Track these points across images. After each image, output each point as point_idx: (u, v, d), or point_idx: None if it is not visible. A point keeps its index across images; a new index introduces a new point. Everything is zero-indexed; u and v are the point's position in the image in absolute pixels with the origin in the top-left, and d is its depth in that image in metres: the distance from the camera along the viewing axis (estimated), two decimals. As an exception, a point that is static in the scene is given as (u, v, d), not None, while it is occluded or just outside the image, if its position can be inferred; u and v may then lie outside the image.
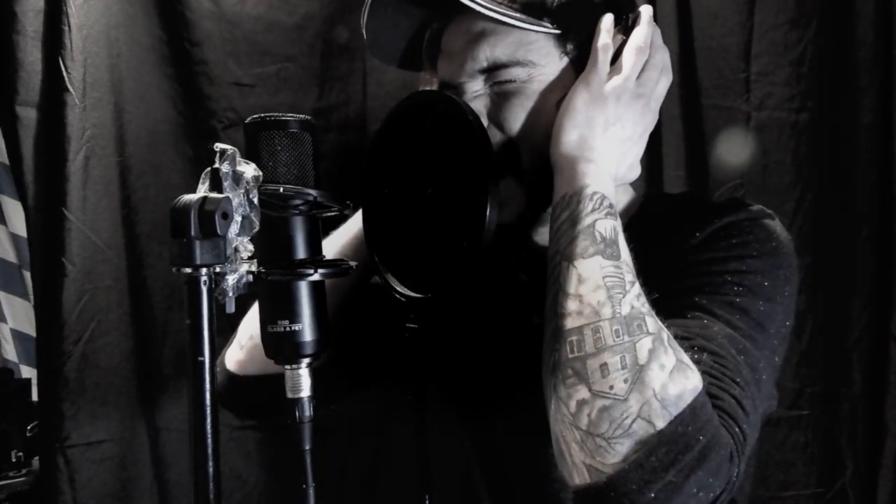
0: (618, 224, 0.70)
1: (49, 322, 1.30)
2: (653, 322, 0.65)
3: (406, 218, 0.76)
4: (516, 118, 0.78)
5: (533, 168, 0.78)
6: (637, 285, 0.67)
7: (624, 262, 0.67)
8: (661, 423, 0.60)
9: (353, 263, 0.70)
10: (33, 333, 1.38)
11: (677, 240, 0.76)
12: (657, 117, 0.79)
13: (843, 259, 1.28)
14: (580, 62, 0.78)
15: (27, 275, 1.75)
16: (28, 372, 1.77)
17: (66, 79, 1.27)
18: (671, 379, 0.61)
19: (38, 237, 1.33)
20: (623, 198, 0.86)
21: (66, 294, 1.28)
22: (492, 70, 0.78)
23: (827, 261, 1.29)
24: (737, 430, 0.64)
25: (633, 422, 0.60)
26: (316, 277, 0.67)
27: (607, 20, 0.78)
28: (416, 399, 0.75)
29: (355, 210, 0.75)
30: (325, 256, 0.70)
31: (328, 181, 0.70)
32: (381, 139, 0.79)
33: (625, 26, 0.80)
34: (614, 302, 0.64)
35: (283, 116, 0.69)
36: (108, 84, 1.31)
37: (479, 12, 0.73)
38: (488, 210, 0.69)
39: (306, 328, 0.68)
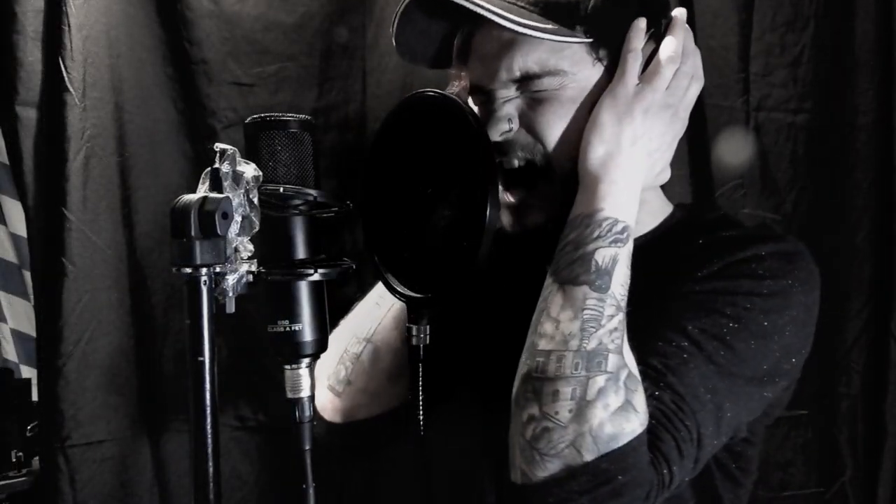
0: (620, 252, 0.71)
1: (49, 322, 1.30)
2: (615, 360, 0.68)
3: (406, 218, 0.76)
4: (549, 125, 0.78)
5: (566, 173, 0.77)
6: (616, 319, 0.69)
7: (610, 295, 0.70)
8: (588, 456, 0.66)
9: (353, 264, 0.70)
10: (33, 333, 1.38)
11: (695, 266, 0.76)
12: (686, 123, 0.79)
13: (842, 259, 1.28)
14: (614, 68, 0.77)
15: (27, 275, 1.75)
16: (28, 372, 1.77)
17: (66, 79, 1.26)
18: (611, 419, 0.66)
19: (38, 237, 1.33)
20: (655, 204, 0.86)
21: (66, 294, 1.28)
22: (524, 80, 0.78)
23: (826, 260, 1.28)
24: (665, 471, 0.69)
25: (565, 447, 0.66)
26: (316, 277, 0.67)
27: (636, 27, 0.77)
28: (413, 399, 0.74)
29: (355, 210, 0.74)
30: (324, 256, 0.70)
31: (327, 181, 0.70)
32: (382, 139, 0.79)
33: (657, 32, 0.78)
34: (584, 335, 0.68)
35: (284, 116, 0.69)
36: (109, 84, 1.31)
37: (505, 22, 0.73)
38: (488, 210, 0.69)
39: (306, 328, 0.68)
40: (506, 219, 0.80)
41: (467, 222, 0.70)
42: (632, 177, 0.74)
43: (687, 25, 0.80)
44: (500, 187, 0.77)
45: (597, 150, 0.74)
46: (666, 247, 0.81)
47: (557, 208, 0.78)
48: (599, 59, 0.78)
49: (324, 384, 0.93)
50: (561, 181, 0.78)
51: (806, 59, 1.27)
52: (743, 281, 0.75)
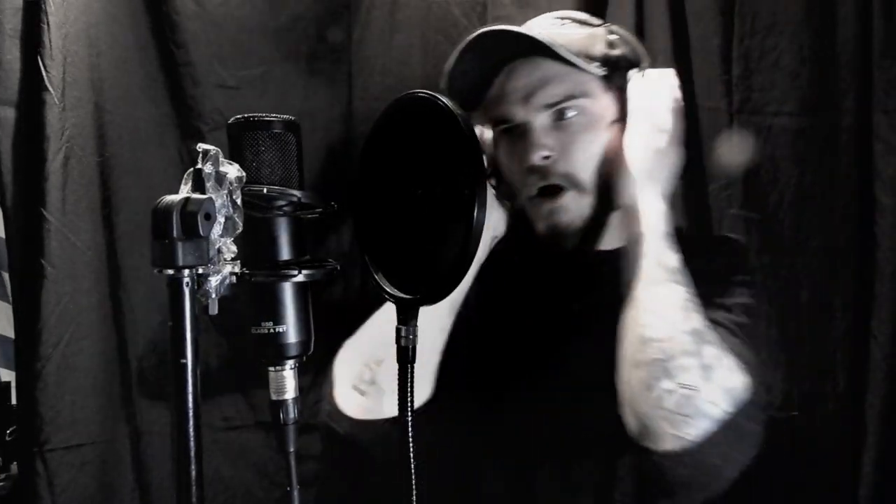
0: (679, 258, 0.91)
1: (28, 324, 1.28)
2: (711, 333, 0.87)
3: (396, 218, 0.76)
4: (579, 146, 0.98)
5: (595, 183, 0.99)
6: (698, 305, 0.88)
7: (689, 285, 0.89)
8: (726, 406, 0.83)
9: (337, 265, 0.70)
10: (12, 336, 1.36)
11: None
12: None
13: (826, 260, 1.29)
14: (621, 96, 1.01)
15: (6, 276, 1.73)
16: (7, 375, 1.74)
17: (46, 78, 1.25)
18: (731, 376, 0.85)
19: (17, 238, 1.31)
20: None
21: (45, 296, 1.26)
22: (559, 103, 0.98)
23: (809, 261, 1.30)
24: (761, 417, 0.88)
25: (707, 406, 0.83)
26: (300, 278, 0.67)
27: (634, 90, 1.00)
28: (402, 402, 0.74)
29: (340, 210, 0.74)
30: (309, 257, 0.70)
31: (313, 183, 0.69)
32: (373, 139, 0.79)
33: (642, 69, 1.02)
34: (686, 318, 0.87)
35: (267, 117, 0.68)
36: (89, 83, 1.30)
37: (550, 58, 0.95)
38: (476, 212, 0.69)
39: (291, 329, 0.68)
40: (541, 224, 1.01)
41: (455, 223, 0.70)
42: (666, 199, 0.96)
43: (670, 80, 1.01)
44: (537, 195, 1.00)
45: (647, 187, 0.95)
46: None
47: (586, 214, 1.00)
48: (610, 90, 1.01)
49: (348, 385, 1.02)
50: (590, 192, 0.99)
51: (787, 61, 1.28)
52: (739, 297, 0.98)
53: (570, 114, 0.98)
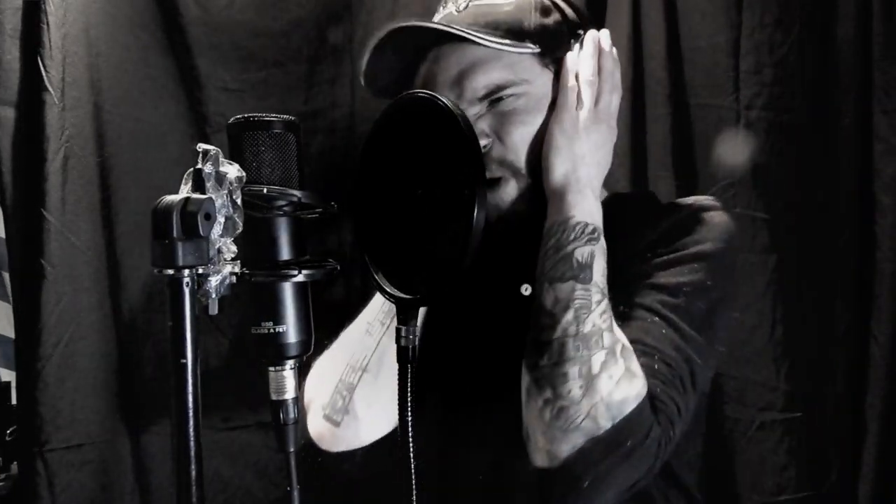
0: (595, 248, 0.83)
1: (28, 324, 1.28)
2: (609, 337, 0.79)
3: (396, 218, 0.76)
4: (517, 131, 0.89)
5: (533, 169, 0.90)
6: (603, 303, 0.81)
7: (594, 284, 0.81)
8: (604, 423, 0.76)
9: (337, 265, 0.70)
10: (12, 336, 1.36)
11: (629, 244, 0.89)
12: (616, 130, 0.92)
13: (827, 259, 1.29)
14: (558, 73, 0.91)
15: (6, 276, 1.72)
16: (7, 375, 1.74)
17: (45, 77, 1.25)
18: (617, 386, 0.77)
19: (17, 238, 1.31)
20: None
21: (45, 296, 1.26)
22: (491, 94, 0.89)
23: (809, 261, 1.30)
24: (670, 431, 0.80)
25: (582, 420, 0.76)
26: (300, 278, 0.67)
27: (570, 59, 0.91)
28: (402, 401, 0.74)
29: (340, 211, 0.74)
30: (309, 257, 0.70)
31: (314, 185, 0.69)
32: (373, 139, 0.79)
33: (581, 44, 0.92)
34: (579, 321, 0.79)
35: (267, 117, 0.68)
36: (88, 83, 1.30)
37: (474, 43, 0.86)
38: (476, 212, 0.69)
39: (291, 329, 0.68)
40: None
41: (455, 223, 0.70)
42: (590, 185, 0.87)
43: (603, 44, 0.92)
44: None
45: (559, 169, 0.87)
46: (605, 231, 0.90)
47: (525, 201, 0.90)
48: (547, 67, 0.92)
49: (319, 414, 0.96)
50: (527, 176, 0.90)
51: (792, 59, 1.27)
52: (674, 254, 0.88)
53: (505, 99, 0.89)
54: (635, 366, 0.79)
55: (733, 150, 1.30)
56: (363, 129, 1.37)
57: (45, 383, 1.27)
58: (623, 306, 0.84)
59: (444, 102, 0.73)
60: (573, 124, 0.88)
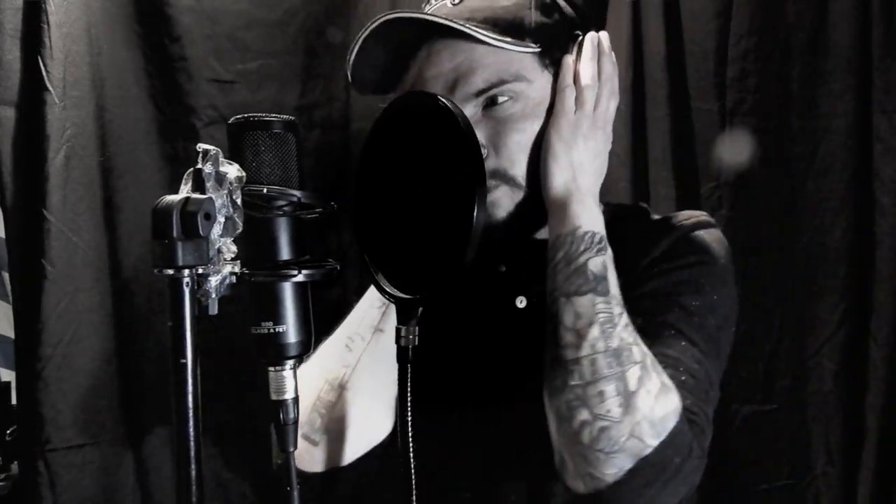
0: (607, 258, 0.79)
1: (29, 324, 1.28)
2: (638, 351, 0.75)
3: (396, 218, 0.76)
4: (512, 139, 0.85)
5: (529, 178, 0.86)
6: (624, 316, 0.76)
7: (613, 297, 0.77)
8: (651, 441, 0.71)
9: (337, 265, 0.70)
10: (12, 336, 1.36)
11: (628, 260, 0.84)
12: (612, 136, 0.89)
13: (814, 259, 1.30)
14: (558, 75, 0.87)
15: (6, 276, 1.72)
16: (7, 375, 1.74)
17: (46, 77, 1.25)
18: (657, 402, 0.73)
19: (18, 238, 1.31)
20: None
21: (45, 296, 1.26)
22: (487, 90, 0.84)
23: (809, 261, 1.30)
24: (704, 443, 0.77)
25: (626, 440, 0.71)
26: (300, 278, 0.67)
27: (567, 63, 0.86)
28: (401, 402, 0.74)
29: (339, 210, 0.74)
30: (309, 257, 0.70)
31: (311, 179, 0.69)
32: (373, 139, 0.79)
33: (579, 46, 0.88)
34: (606, 336, 0.74)
35: (267, 117, 0.68)
36: (89, 83, 1.30)
37: (472, 39, 0.81)
38: (475, 213, 0.69)
39: (290, 329, 0.68)
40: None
41: (455, 223, 0.70)
42: (590, 190, 0.84)
43: (603, 47, 0.88)
44: None
45: (558, 179, 0.83)
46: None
47: (520, 207, 0.86)
48: (547, 67, 0.87)
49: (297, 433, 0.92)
50: (523, 187, 0.86)
51: (779, 65, 1.28)
52: (681, 272, 0.85)
53: (501, 100, 0.84)
54: (666, 378, 0.75)
55: (719, 154, 1.31)
56: (359, 124, 1.37)
57: (45, 383, 1.27)
58: (640, 320, 0.79)
59: (444, 102, 0.73)
60: (571, 130, 0.84)
